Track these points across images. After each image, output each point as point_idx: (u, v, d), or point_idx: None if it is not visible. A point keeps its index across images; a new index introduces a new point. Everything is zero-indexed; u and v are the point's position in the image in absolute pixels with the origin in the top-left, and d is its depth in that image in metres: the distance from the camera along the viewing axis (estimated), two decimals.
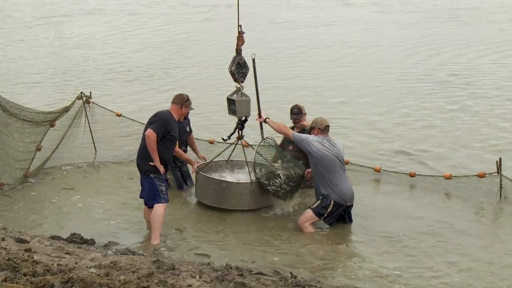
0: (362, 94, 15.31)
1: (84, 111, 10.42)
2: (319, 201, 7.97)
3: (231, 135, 8.67)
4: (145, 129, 7.55)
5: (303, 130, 8.91)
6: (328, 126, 8.29)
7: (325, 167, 7.95)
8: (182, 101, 7.71)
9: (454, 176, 9.33)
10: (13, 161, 9.41)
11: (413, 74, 17.52)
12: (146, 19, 28.58)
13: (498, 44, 21.84)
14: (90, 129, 10.54)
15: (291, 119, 9.26)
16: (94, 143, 10.61)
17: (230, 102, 8.55)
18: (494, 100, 14.60)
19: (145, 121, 10.20)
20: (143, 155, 7.52)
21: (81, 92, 10.48)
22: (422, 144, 11.58)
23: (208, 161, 9.10)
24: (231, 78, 8.57)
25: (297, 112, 9.17)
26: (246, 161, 8.62)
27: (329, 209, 7.91)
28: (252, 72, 8.50)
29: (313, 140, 8.06)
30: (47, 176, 9.83)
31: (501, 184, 8.88)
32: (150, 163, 7.43)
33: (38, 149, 9.74)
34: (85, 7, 32.85)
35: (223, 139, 8.75)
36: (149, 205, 7.62)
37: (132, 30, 25.96)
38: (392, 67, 18.40)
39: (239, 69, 8.48)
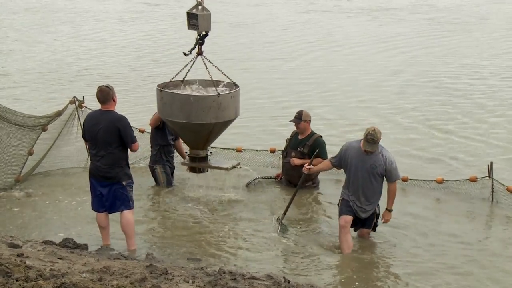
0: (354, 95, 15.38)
1: (77, 116, 10.42)
2: (374, 221, 7.85)
3: (191, 50, 8.37)
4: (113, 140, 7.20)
5: (310, 136, 9.28)
6: None
7: None
8: (111, 93, 7.30)
9: (446, 180, 9.38)
10: (5, 166, 9.38)
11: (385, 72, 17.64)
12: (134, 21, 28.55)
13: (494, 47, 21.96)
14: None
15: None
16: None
17: (191, 16, 8.22)
18: (486, 103, 14.68)
19: (138, 126, 10.32)
20: (116, 164, 7.19)
21: (74, 97, 10.47)
22: (413, 148, 11.61)
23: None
24: None
25: (296, 116, 9.33)
26: (211, 78, 8.29)
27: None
28: None
29: None
30: (39, 181, 9.81)
31: (492, 188, 8.93)
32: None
33: (30, 153, 9.72)
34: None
35: (184, 53, 8.43)
36: (115, 211, 7.33)
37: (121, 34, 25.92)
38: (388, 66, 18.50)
39: None
